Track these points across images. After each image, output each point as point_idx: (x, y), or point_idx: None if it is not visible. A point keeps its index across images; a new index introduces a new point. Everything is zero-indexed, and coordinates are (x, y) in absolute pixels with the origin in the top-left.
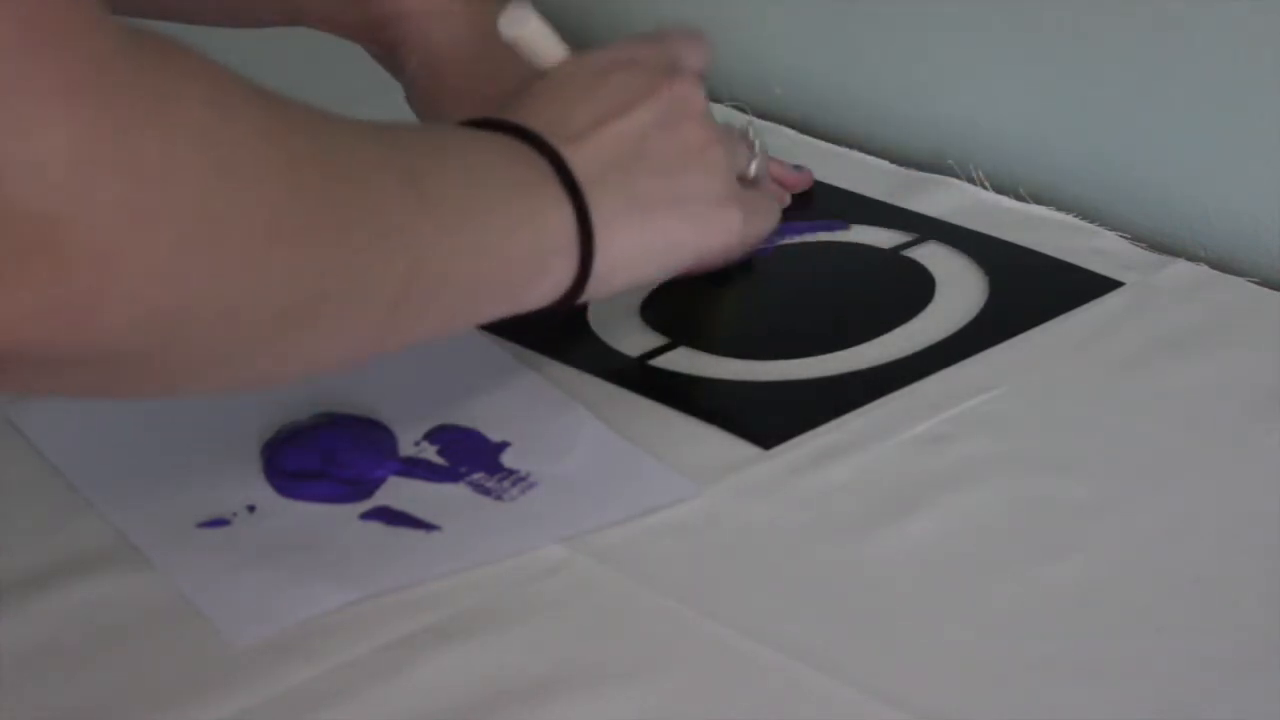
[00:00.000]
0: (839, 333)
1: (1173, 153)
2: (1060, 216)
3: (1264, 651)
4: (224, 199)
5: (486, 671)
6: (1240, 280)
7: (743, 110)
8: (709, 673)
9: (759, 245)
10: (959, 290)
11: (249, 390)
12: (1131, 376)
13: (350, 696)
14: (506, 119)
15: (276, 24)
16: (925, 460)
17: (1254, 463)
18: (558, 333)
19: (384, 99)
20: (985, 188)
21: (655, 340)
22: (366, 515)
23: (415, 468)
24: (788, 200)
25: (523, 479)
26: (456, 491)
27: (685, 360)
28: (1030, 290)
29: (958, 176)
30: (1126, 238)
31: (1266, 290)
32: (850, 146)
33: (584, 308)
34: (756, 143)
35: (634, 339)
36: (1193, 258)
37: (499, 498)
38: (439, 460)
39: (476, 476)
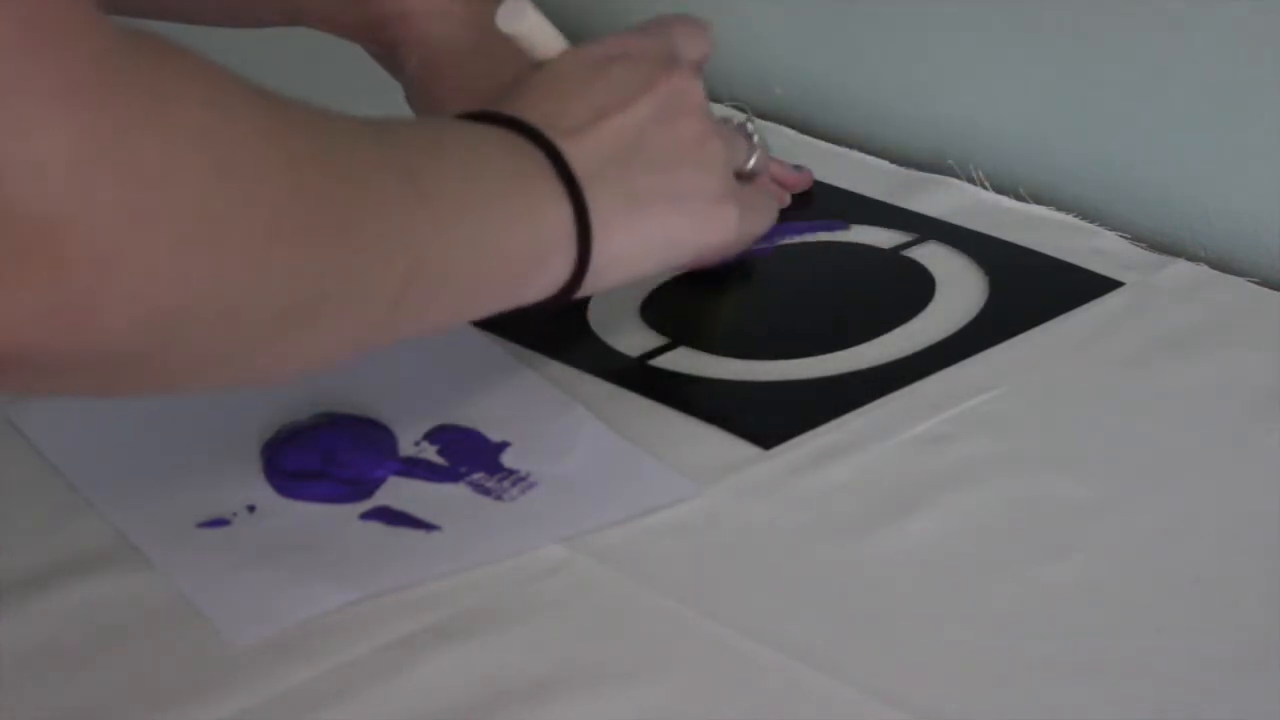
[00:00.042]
0: (839, 333)
1: (1173, 153)
2: (1060, 216)
3: (1264, 651)
4: (224, 199)
5: (486, 671)
6: (1240, 280)
7: (743, 110)
8: (709, 673)
9: (756, 243)
10: (959, 290)
11: (249, 388)
12: (1131, 376)
13: (350, 696)
14: (503, 111)
15: (276, 24)
16: (925, 460)
17: (1254, 463)
18: (558, 332)
19: (384, 99)
20: (985, 188)
21: (655, 340)
22: (366, 515)
23: (415, 468)
24: (787, 200)
25: (523, 479)
26: (456, 491)
27: (685, 360)
28: (1030, 290)
29: (958, 176)
30: (1126, 238)
31: (1266, 290)
32: (850, 146)
33: (584, 307)
34: (755, 136)
35: (634, 339)
36: (1193, 258)
37: (499, 498)
38: (439, 460)
39: (476, 476)
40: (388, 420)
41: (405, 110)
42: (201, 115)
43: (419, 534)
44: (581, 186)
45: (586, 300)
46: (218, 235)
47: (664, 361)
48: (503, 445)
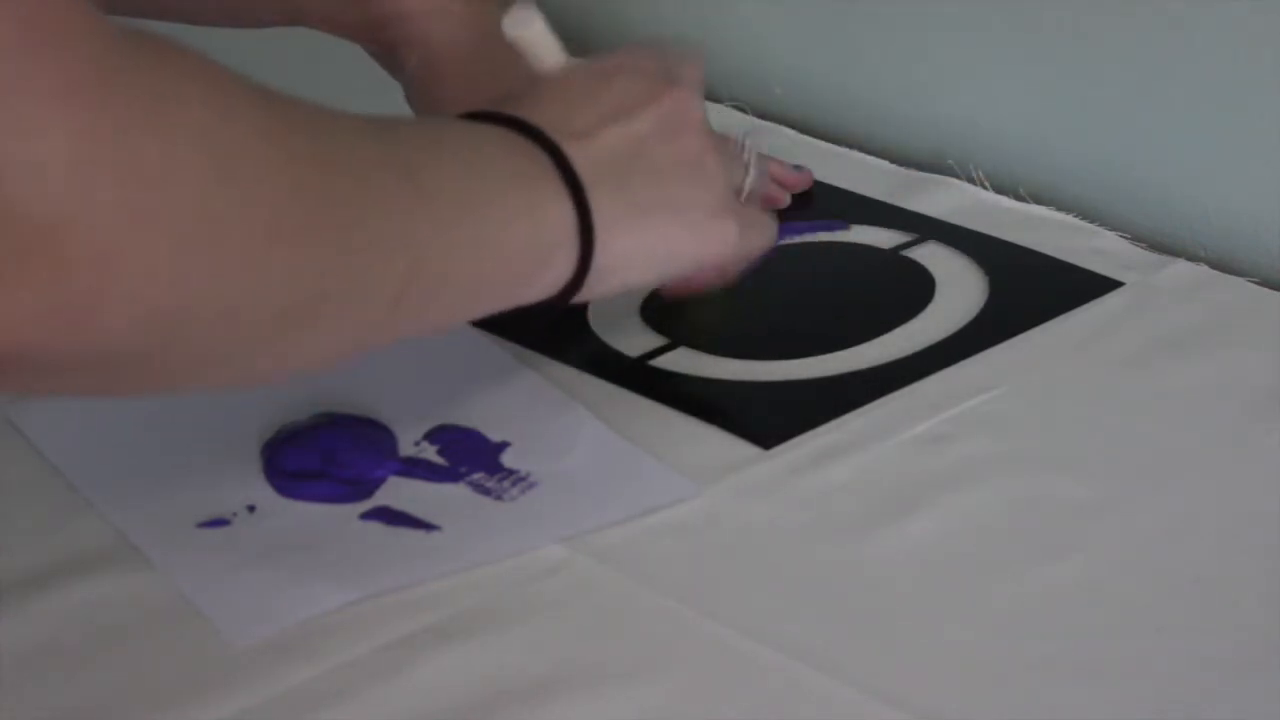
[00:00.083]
0: (839, 333)
1: (1173, 153)
2: (1060, 216)
3: (1264, 651)
4: (224, 199)
5: (486, 671)
6: (1240, 280)
7: (743, 110)
8: (709, 673)
9: (753, 262)
10: (959, 290)
11: (249, 388)
12: (1131, 376)
13: (350, 696)
14: (506, 112)
15: (276, 24)
16: (925, 460)
17: (1254, 463)
18: (558, 333)
19: (384, 99)
20: (985, 188)
21: (655, 340)
22: (366, 515)
23: (415, 468)
24: (787, 200)
25: (523, 479)
26: (456, 491)
27: (685, 360)
28: (1030, 290)
29: (958, 176)
30: (1126, 238)
31: (1266, 290)
32: (850, 146)
33: (584, 307)
34: (752, 161)
35: (634, 339)
36: (1193, 258)
37: (499, 498)
38: (439, 460)
39: (476, 476)
40: (388, 420)
41: (405, 110)
42: (201, 115)
43: (419, 534)
44: (584, 187)
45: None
46: (218, 235)
47: (664, 361)
48: (503, 445)
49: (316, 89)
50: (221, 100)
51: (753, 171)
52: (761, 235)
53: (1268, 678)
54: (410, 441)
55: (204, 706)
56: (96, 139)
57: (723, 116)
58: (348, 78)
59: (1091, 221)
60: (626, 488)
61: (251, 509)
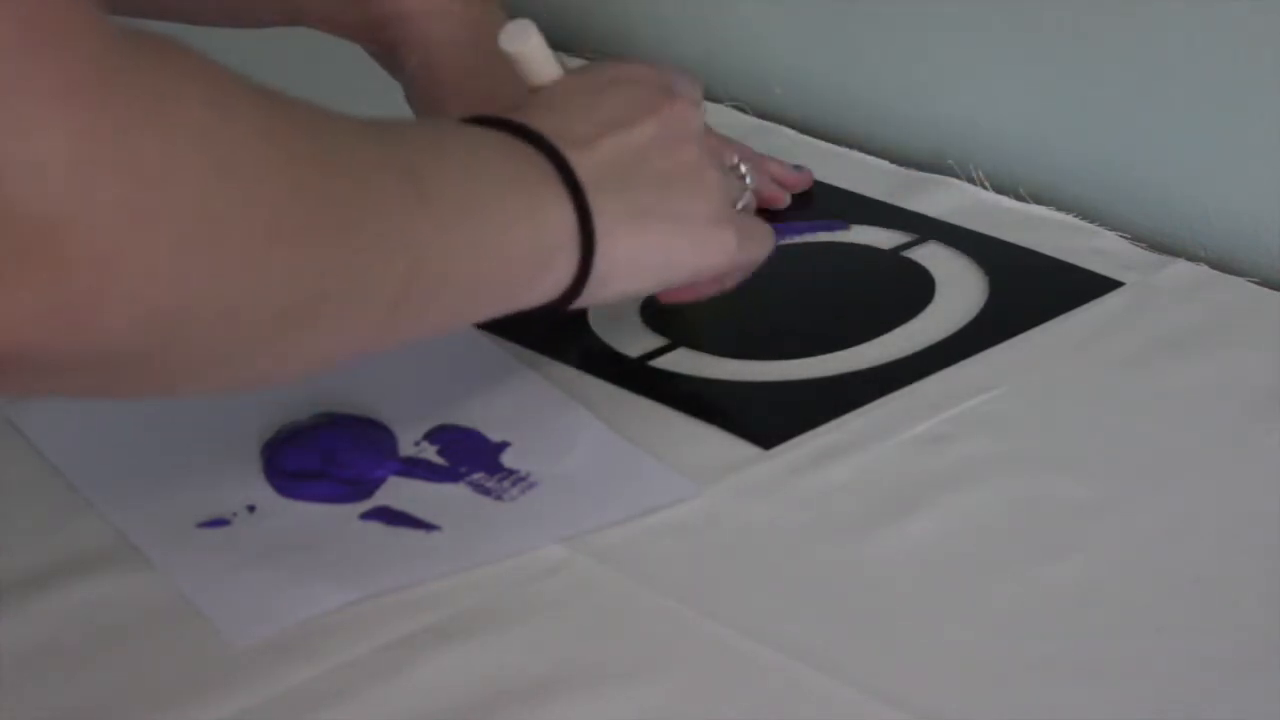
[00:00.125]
0: (839, 333)
1: (1173, 153)
2: (1060, 216)
3: (1264, 651)
4: (224, 199)
5: (486, 671)
6: (1240, 280)
7: (743, 110)
8: (709, 673)
9: (751, 273)
10: (959, 290)
11: (249, 390)
12: (1131, 376)
13: (350, 696)
14: (508, 118)
15: (276, 24)
16: (925, 460)
17: (1254, 463)
18: (558, 333)
19: (384, 99)
20: (985, 188)
21: (655, 340)
22: (366, 515)
23: (415, 468)
24: (787, 200)
25: (523, 479)
26: (456, 491)
27: (685, 360)
28: (1030, 290)
29: (958, 176)
30: (1126, 238)
31: (1266, 290)
32: (850, 146)
33: (583, 309)
34: (747, 178)
35: (634, 339)
36: (1193, 258)
37: (499, 498)
38: (439, 460)
39: (476, 476)
40: (388, 420)
41: (405, 110)
42: (202, 115)
43: (419, 534)
44: (585, 192)
45: None
46: (218, 235)
47: (664, 362)
48: (503, 445)
49: (316, 89)
50: (222, 100)
51: (748, 190)
52: (760, 246)
53: (1268, 678)
54: (410, 441)
55: (204, 706)
56: (96, 139)
57: (723, 116)
58: (348, 78)
59: (1091, 221)
60: (626, 488)
61: (251, 509)
